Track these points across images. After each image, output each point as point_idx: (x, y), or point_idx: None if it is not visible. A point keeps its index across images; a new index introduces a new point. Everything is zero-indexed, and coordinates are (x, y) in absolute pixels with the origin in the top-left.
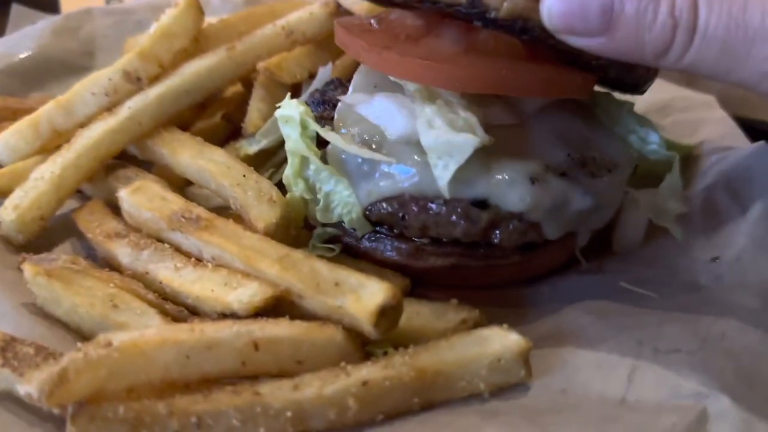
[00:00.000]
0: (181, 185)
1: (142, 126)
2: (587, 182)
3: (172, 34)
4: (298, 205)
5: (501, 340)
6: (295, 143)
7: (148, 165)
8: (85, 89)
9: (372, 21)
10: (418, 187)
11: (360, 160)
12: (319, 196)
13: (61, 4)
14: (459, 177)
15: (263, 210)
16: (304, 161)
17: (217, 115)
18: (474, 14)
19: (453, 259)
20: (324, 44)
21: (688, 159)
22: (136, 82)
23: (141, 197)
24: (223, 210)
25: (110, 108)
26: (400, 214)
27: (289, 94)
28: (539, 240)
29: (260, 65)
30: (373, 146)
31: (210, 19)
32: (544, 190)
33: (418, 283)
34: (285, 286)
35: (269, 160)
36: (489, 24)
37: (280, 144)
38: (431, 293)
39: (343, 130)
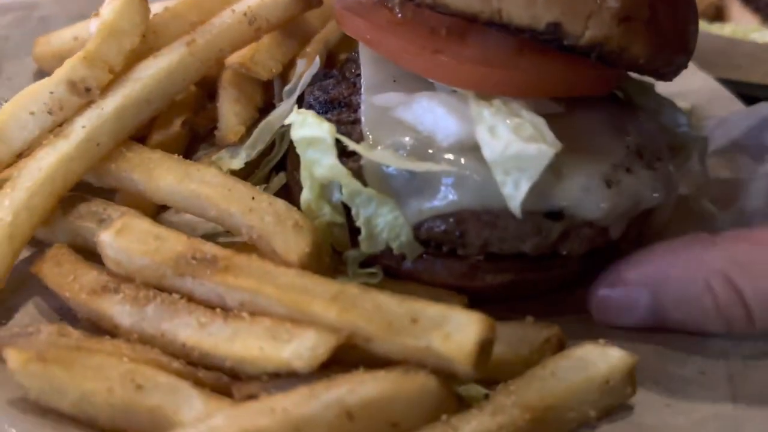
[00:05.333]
0: (154, 212)
1: (101, 147)
2: (649, 175)
3: (120, 31)
4: (324, 232)
5: (605, 360)
6: (330, 170)
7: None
8: (21, 108)
9: (395, 7)
10: (478, 200)
11: (408, 174)
12: (357, 223)
13: None
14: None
15: (290, 238)
16: (328, 183)
17: (175, 123)
18: (548, 40)
19: (511, 274)
20: (289, 31)
21: None
22: (84, 93)
23: (129, 240)
24: (218, 237)
25: (56, 129)
26: (457, 232)
27: (295, 106)
28: (605, 244)
29: (230, 60)
30: (421, 157)
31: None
32: (620, 193)
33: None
34: (349, 330)
35: (253, 173)
36: (561, 48)
37: (265, 152)
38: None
39: (381, 141)
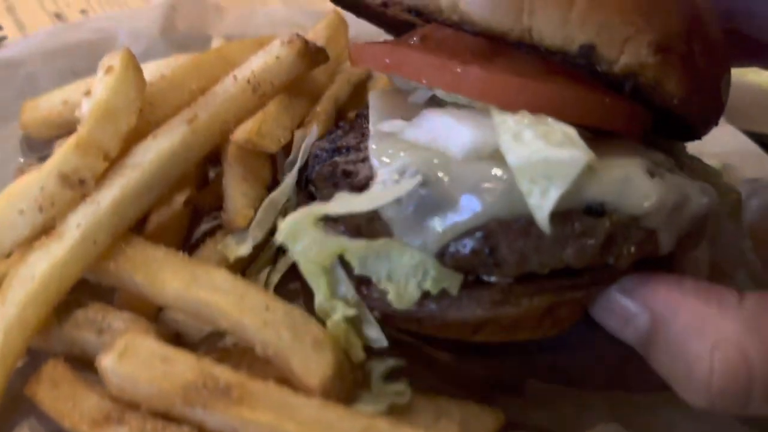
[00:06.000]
0: (155, 313)
1: (97, 246)
2: (692, 180)
3: (114, 111)
4: (344, 332)
5: None
6: (321, 247)
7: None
8: (9, 207)
9: (414, 38)
10: (504, 208)
11: (421, 194)
12: (382, 285)
13: None
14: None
15: (310, 358)
16: (332, 273)
17: (176, 200)
18: (581, 65)
19: (551, 295)
20: (296, 91)
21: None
22: (78, 186)
23: (134, 364)
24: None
25: (48, 227)
26: (486, 249)
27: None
28: (654, 254)
29: (236, 137)
30: (434, 175)
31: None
32: (666, 186)
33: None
34: None
35: (258, 255)
36: (594, 75)
37: (271, 231)
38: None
39: (386, 169)
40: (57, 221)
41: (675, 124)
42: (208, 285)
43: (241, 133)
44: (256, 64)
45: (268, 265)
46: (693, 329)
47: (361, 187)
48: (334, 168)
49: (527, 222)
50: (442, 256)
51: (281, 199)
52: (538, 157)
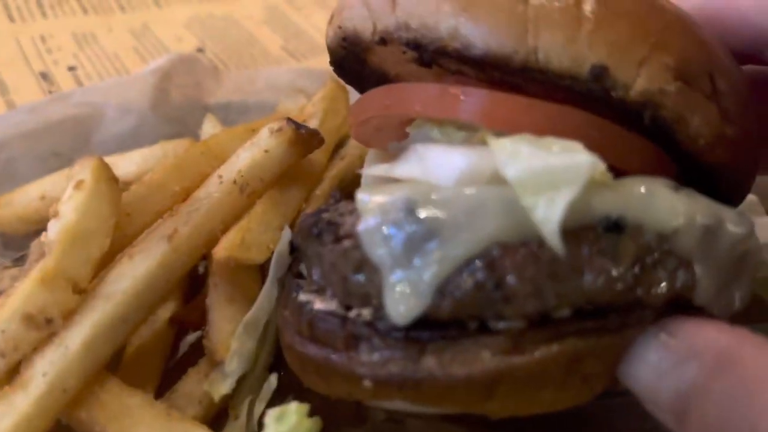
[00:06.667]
0: None
1: (67, 393)
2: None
3: (85, 235)
4: None
5: None
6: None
7: None
8: None
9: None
10: (506, 233)
11: (412, 228)
12: None
13: None
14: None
15: None
16: None
17: (159, 316)
18: (595, 91)
19: (574, 339)
20: (289, 180)
21: None
22: (45, 326)
23: None
24: None
25: (10, 376)
26: (492, 282)
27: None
28: (690, 293)
29: (217, 254)
30: (424, 204)
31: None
32: (696, 202)
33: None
34: None
35: (241, 384)
36: (611, 105)
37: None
38: None
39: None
40: (22, 366)
41: (705, 184)
42: None
43: (223, 248)
44: (243, 160)
45: (251, 395)
46: (757, 379)
47: (347, 236)
48: (318, 219)
49: (537, 245)
50: (441, 298)
51: (260, 318)
52: (540, 165)
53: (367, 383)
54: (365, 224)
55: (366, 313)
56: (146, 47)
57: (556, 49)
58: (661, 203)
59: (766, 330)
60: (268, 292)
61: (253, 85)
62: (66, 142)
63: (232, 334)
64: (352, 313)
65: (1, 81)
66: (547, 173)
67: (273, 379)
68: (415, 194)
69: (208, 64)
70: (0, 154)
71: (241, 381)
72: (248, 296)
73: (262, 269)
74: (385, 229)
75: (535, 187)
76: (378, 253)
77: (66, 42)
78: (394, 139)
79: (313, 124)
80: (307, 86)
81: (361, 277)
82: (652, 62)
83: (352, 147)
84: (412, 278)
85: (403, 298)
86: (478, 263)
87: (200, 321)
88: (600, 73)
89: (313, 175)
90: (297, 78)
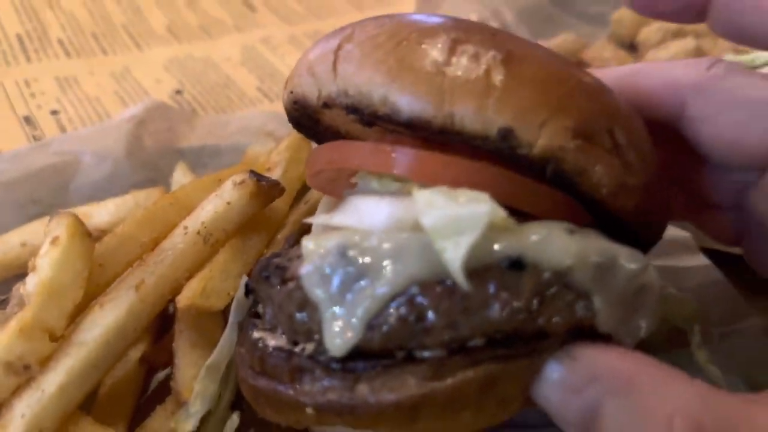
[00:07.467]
0: None
1: None
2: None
3: (61, 288)
4: None
5: None
6: None
7: None
8: None
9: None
10: (423, 273)
11: (344, 270)
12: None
13: None
14: (476, 251)
15: None
16: None
17: (130, 356)
18: (504, 150)
19: (487, 365)
20: (250, 228)
21: None
22: (23, 372)
23: None
24: None
25: None
26: (413, 316)
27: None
28: (589, 320)
29: (179, 302)
30: (355, 249)
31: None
32: (587, 241)
33: None
34: None
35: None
36: (517, 161)
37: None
38: None
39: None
40: (3, 409)
41: (618, 227)
42: None
43: (185, 297)
44: (207, 212)
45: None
46: (649, 405)
47: (292, 278)
48: (268, 264)
49: (452, 282)
50: (372, 331)
51: (221, 361)
52: (449, 214)
53: (310, 411)
54: (306, 268)
55: (309, 347)
56: (126, 90)
57: (468, 115)
58: (555, 244)
59: (685, 355)
60: (228, 337)
61: (226, 129)
62: (45, 189)
63: (196, 377)
64: (298, 348)
65: None
66: (454, 221)
67: (235, 417)
68: (348, 241)
69: (185, 108)
70: None
71: (205, 418)
72: (211, 340)
73: (225, 314)
74: (322, 272)
75: (445, 233)
76: (317, 292)
77: (49, 86)
78: (345, 188)
79: (277, 172)
80: (276, 129)
81: (304, 315)
82: (551, 123)
83: (316, 193)
84: (346, 315)
85: (339, 332)
86: (401, 299)
87: (169, 360)
88: (506, 134)
89: (274, 222)
90: (267, 122)
